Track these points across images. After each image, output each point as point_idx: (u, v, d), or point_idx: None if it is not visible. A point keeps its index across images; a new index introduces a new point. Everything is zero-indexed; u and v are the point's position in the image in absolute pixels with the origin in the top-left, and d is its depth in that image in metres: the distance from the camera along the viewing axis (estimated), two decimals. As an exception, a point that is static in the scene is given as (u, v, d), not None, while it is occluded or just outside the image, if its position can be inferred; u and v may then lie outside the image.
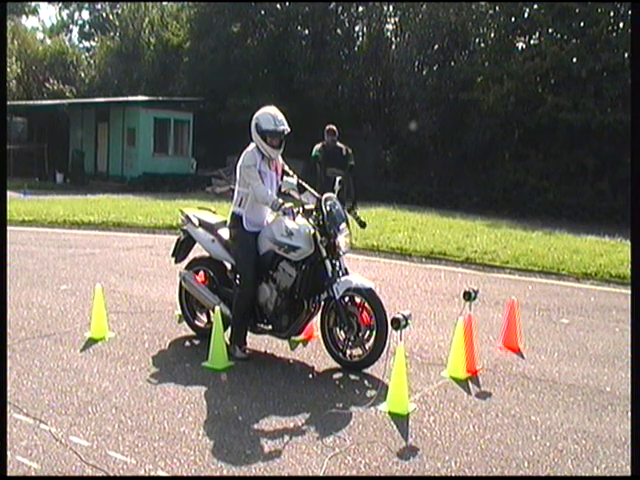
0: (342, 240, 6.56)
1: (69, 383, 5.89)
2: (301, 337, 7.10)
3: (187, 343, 7.29)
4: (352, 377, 6.36)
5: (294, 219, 6.50)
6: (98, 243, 13.92)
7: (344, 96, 30.59)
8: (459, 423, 5.38)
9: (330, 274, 6.48)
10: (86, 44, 55.51)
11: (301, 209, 6.57)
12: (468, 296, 6.64)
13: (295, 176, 7.08)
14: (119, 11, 44.52)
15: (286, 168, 7.05)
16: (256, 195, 6.60)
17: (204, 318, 7.43)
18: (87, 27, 57.02)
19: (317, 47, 31.75)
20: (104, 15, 51.94)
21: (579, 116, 23.70)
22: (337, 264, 6.58)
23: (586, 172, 24.63)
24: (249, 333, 6.92)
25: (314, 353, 6.94)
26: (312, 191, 6.93)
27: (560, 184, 24.99)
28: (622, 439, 5.14)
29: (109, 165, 31.60)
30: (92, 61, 44.56)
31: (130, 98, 31.83)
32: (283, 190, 7.02)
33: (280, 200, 6.49)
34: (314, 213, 6.60)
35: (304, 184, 7.02)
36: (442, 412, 5.59)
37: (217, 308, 6.57)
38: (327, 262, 6.50)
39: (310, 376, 6.43)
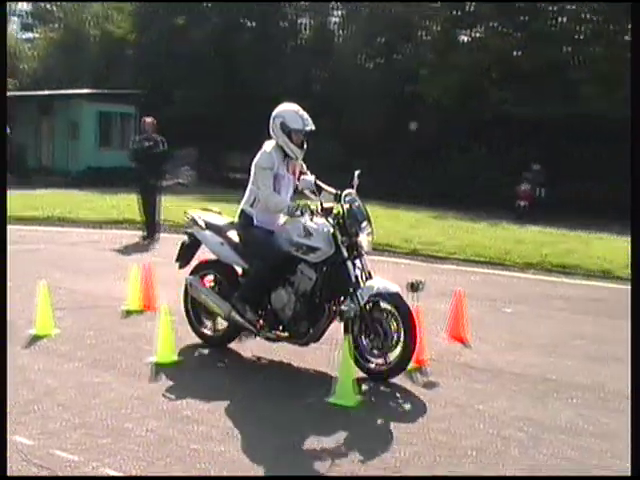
0: (364, 239, 6.20)
1: (12, 381, 5.76)
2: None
3: (132, 339, 7.20)
4: (302, 370, 6.37)
5: (312, 217, 6.14)
6: (43, 238, 13.66)
7: (289, 89, 30.43)
8: (405, 413, 5.42)
9: (352, 277, 6.09)
10: (28, 35, 54.34)
11: (319, 208, 6.13)
12: (413, 287, 6.46)
13: (313, 176, 6.66)
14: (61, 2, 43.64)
15: (304, 169, 6.69)
16: (267, 203, 6.26)
17: (211, 325, 7.03)
18: (28, 18, 55.82)
19: (262, 40, 31.57)
20: (45, 6, 50.85)
21: (523, 110, 24.03)
22: (359, 265, 6.23)
23: (530, 164, 24.97)
24: (249, 339, 6.70)
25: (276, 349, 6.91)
26: (330, 190, 6.50)
27: (505, 176, 25.29)
28: (566, 425, 5.24)
29: (54, 159, 31.02)
30: (34, 53, 43.62)
31: (72, 91, 31.21)
32: (300, 188, 6.64)
33: (294, 204, 6.17)
34: (333, 211, 6.19)
35: (321, 184, 6.59)
36: (388, 403, 5.62)
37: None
38: (349, 263, 6.10)
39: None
